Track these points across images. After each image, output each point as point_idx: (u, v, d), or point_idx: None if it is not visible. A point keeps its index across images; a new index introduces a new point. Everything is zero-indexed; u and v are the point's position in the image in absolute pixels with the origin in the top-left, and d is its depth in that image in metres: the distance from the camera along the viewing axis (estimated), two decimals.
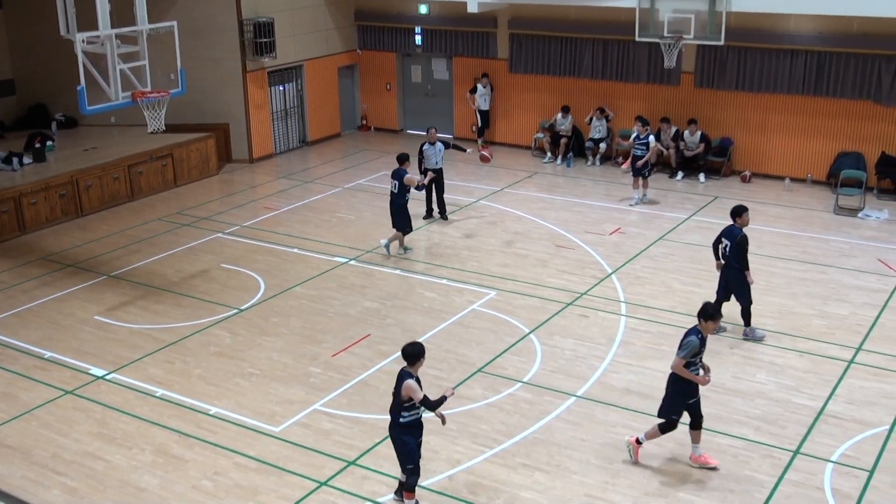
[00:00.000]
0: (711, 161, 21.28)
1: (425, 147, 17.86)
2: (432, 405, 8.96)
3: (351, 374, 12.36)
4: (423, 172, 17.53)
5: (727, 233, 12.92)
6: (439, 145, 17.85)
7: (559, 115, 22.37)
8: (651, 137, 18.99)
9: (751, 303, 12.98)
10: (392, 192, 16.28)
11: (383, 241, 16.56)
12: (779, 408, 11.31)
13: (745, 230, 12.89)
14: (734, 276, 12.88)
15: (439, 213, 18.40)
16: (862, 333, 13.22)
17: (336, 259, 16.40)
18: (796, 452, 10.35)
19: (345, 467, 10.31)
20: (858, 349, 12.77)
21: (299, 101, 24.41)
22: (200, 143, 21.78)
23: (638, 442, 10.21)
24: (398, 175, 16.17)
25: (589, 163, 22.39)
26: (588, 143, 22.35)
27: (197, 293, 15.13)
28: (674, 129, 21.05)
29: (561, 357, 12.69)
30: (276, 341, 13.38)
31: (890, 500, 9.51)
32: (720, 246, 13.05)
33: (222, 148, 22.80)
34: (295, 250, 16.91)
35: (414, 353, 9.06)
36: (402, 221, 16.37)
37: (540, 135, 23.15)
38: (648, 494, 9.65)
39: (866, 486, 9.73)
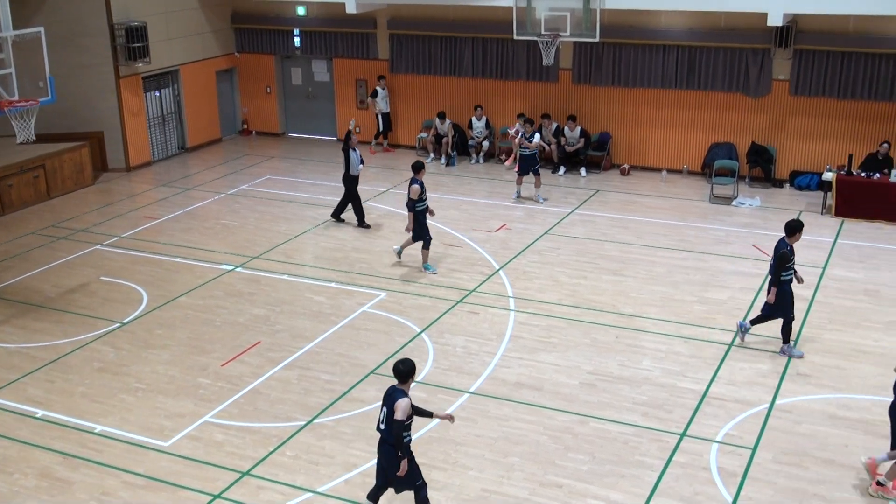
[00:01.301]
0: (592, 156, 21.74)
1: (351, 153, 17.60)
2: (427, 412, 9.09)
3: (241, 383, 12.14)
4: (350, 177, 17.56)
5: (778, 246, 12.30)
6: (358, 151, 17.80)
7: (437, 121, 22.47)
8: (537, 136, 19.26)
9: (792, 318, 12.47)
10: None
11: (395, 248, 16.26)
12: (665, 393, 11.64)
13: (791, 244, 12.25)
14: (781, 290, 12.26)
15: (359, 220, 18.08)
16: (741, 317, 13.72)
17: (222, 267, 16.09)
18: (683, 435, 10.67)
19: (239, 478, 10.12)
20: (737, 333, 13.24)
21: (177, 106, 23.83)
22: (74, 152, 21.03)
23: (879, 484, 9.57)
24: (413, 182, 15.44)
25: (473, 161, 22.59)
26: (471, 142, 22.56)
27: (76, 308, 14.61)
28: (555, 126, 21.41)
29: (453, 354, 12.76)
30: (162, 354, 13.03)
31: (772, 474, 9.89)
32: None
33: (97, 157, 22.08)
34: (178, 259, 16.51)
35: (406, 372, 8.91)
36: (418, 231, 15.52)
37: (423, 134, 23.23)
38: (544, 485, 9.79)
39: (750, 463, 10.11)
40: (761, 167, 20.41)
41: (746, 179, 20.57)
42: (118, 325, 13.96)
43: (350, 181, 17.71)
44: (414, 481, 9.03)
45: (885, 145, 18.40)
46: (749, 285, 14.86)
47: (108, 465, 10.41)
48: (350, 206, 18.05)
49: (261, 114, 25.84)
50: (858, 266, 15.70)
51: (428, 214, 15.52)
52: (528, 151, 19.07)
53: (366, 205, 18.47)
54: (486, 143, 22.41)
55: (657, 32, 20.57)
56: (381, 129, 23.60)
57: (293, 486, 9.58)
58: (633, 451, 10.37)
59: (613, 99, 21.55)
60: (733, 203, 19.18)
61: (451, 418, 9.44)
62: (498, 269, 15.73)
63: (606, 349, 12.81)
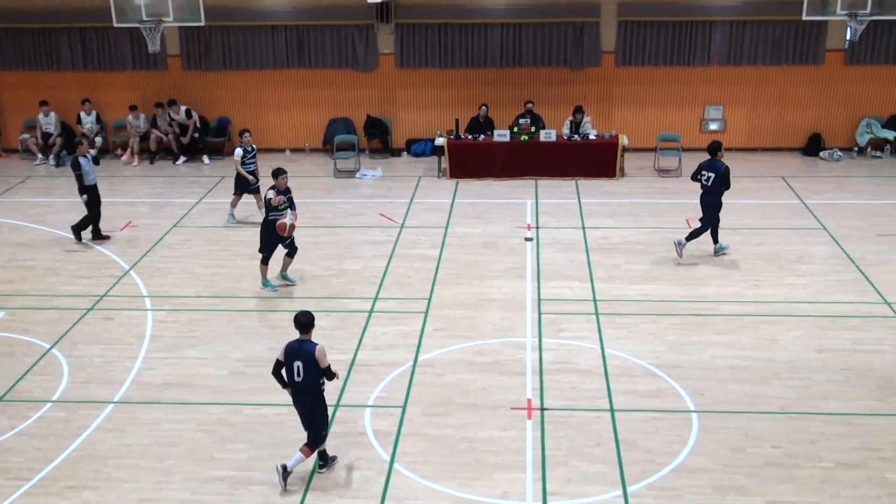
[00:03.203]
0: (212, 142, 21.36)
1: (82, 161, 15.79)
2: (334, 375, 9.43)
3: None
4: (87, 188, 15.80)
5: (709, 166, 14.60)
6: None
7: (41, 116, 20.91)
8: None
9: (710, 227, 14.92)
10: None
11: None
12: None
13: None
14: (713, 202, 14.65)
15: (94, 234, 16.36)
16: (376, 284, 14.27)
17: None
18: (337, 405, 10.92)
19: None
20: (376, 298, 13.77)
21: None
22: None
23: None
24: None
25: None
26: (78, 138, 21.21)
27: None
28: (183, 109, 20.74)
29: (90, 366, 12.00)
30: None
31: (423, 427, 10.43)
32: (701, 177, 14.71)
33: None
34: None
35: (306, 322, 9.44)
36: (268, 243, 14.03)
37: (26, 135, 21.46)
38: (206, 482, 9.55)
39: (402, 421, 10.58)
40: (379, 139, 21.27)
41: (366, 152, 21.34)
42: None
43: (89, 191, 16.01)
44: (322, 430, 9.54)
45: (484, 108, 19.94)
46: (380, 253, 15.47)
47: None
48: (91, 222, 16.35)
49: None
50: (476, 222, 16.94)
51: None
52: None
53: None
54: (98, 139, 21.16)
55: (264, 14, 20.60)
56: None
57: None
58: (291, 431, 10.41)
59: (228, 83, 21.29)
60: (357, 176, 19.82)
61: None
62: (128, 270, 15.00)
63: (252, 334, 12.74)
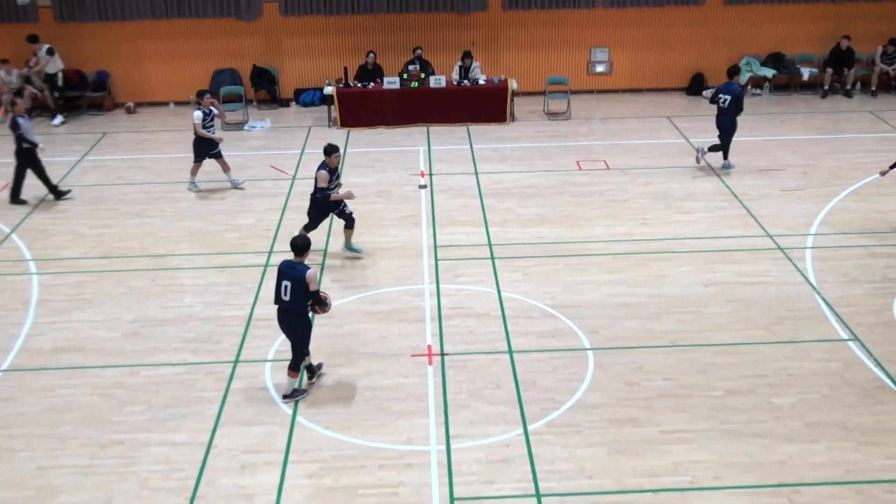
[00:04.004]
0: (91, 97, 20.59)
1: (20, 120, 15.05)
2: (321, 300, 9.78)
3: None
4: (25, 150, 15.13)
5: (725, 89, 16.01)
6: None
7: None
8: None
9: (730, 142, 16.27)
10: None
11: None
12: (211, 325, 11.64)
13: None
14: (727, 123, 16.05)
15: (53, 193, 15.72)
16: (270, 237, 14.08)
17: None
18: (236, 362, 10.81)
19: None
20: (270, 252, 13.60)
21: None
22: None
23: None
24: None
25: None
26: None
27: None
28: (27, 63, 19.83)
29: None
30: None
31: (323, 379, 10.42)
32: (718, 100, 16.01)
33: None
34: None
35: (302, 245, 9.76)
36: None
37: None
38: (104, 446, 9.37)
39: (302, 373, 10.52)
40: (266, 89, 20.84)
41: (254, 103, 20.89)
42: None
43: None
44: (305, 348, 10.00)
45: (371, 55, 19.71)
46: (274, 206, 15.26)
47: None
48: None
49: None
50: (368, 171, 16.84)
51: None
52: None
53: None
54: None
55: None
56: None
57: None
58: (190, 389, 10.29)
59: (104, 35, 20.45)
60: (245, 128, 19.42)
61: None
62: (10, 233, 14.42)
63: (144, 294, 12.45)
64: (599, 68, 21.46)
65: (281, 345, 11.10)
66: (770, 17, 21.10)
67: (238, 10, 20.23)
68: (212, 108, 15.88)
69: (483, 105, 19.42)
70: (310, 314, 9.93)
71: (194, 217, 14.85)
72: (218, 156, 16.03)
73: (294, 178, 16.55)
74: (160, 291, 12.55)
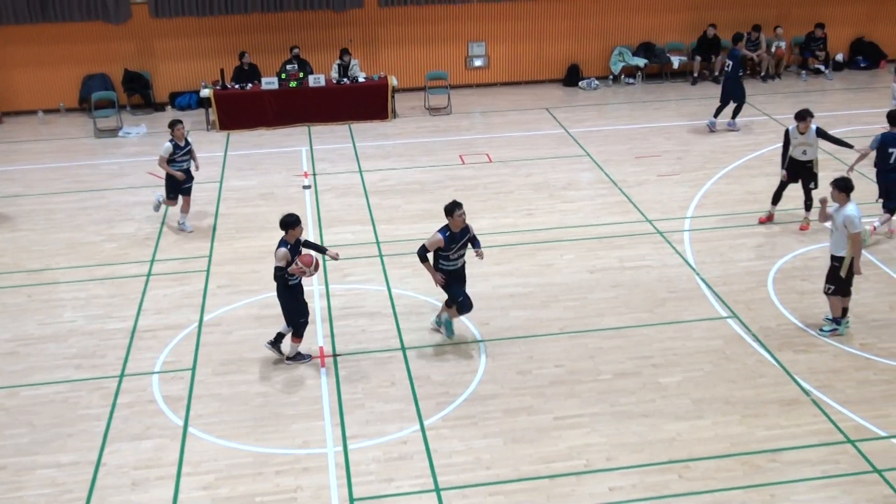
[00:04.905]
0: None
1: None
2: (321, 248, 10.54)
3: None
4: None
5: (730, 55, 18.06)
6: None
7: None
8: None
9: (742, 104, 18.19)
10: None
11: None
12: (94, 339, 11.28)
13: None
14: (732, 85, 17.92)
15: None
16: (152, 246, 13.72)
17: None
18: (122, 376, 10.50)
19: None
20: (153, 261, 13.26)
21: None
22: None
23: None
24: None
25: None
26: None
27: None
28: None
29: None
30: None
31: (215, 387, 10.24)
32: (727, 67, 18.04)
33: None
34: None
35: (287, 222, 10.13)
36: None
37: None
38: None
39: (192, 383, 10.33)
40: (140, 93, 20.29)
41: (128, 108, 20.31)
42: None
43: None
44: (297, 318, 10.43)
45: (246, 56, 19.39)
46: (154, 213, 14.86)
47: None
48: None
49: None
50: (251, 173, 16.60)
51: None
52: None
53: None
54: None
55: None
56: None
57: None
58: (75, 407, 9.95)
59: None
60: (120, 134, 18.86)
61: (336, 256, 10.68)
62: None
63: (20, 312, 11.96)
64: (477, 62, 21.66)
65: (169, 356, 10.85)
66: (640, 8, 21.68)
67: (106, 12, 19.60)
68: (188, 140, 14.13)
69: (364, 103, 19.36)
70: (289, 282, 10.26)
71: (71, 229, 14.36)
72: (188, 192, 14.22)
73: None
74: (38, 307, 12.08)
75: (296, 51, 19.69)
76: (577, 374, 10.36)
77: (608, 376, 10.29)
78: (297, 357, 10.70)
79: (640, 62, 21.73)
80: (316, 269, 10.27)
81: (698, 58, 21.58)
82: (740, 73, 17.95)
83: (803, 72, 22.00)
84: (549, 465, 8.92)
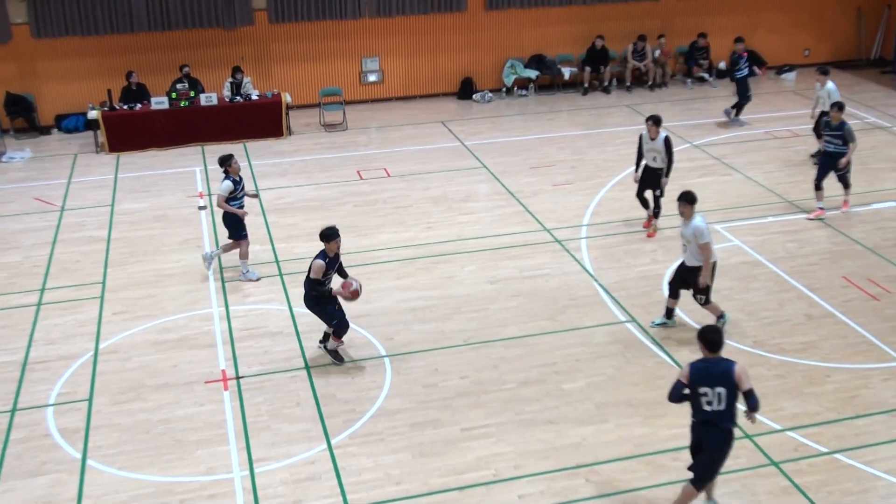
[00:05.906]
0: None
1: None
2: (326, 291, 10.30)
3: None
4: None
5: (738, 58, 19.32)
6: None
7: None
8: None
9: (748, 99, 19.45)
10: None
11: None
12: None
13: None
14: (742, 80, 19.23)
15: None
16: (41, 274, 13.27)
17: None
18: (13, 410, 10.11)
19: None
20: (43, 290, 12.82)
21: None
22: None
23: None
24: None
25: None
26: None
27: None
28: None
29: None
30: None
31: (114, 416, 9.94)
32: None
33: None
34: None
35: (326, 234, 10.18)
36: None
37: None
38: None
39: (90, 414, 10.01)
40: (23, 117, 19.62)
41: (10, 132, 19.60)
42: None
43: None
44: (328, 322, 10.59)
45: (133, 75, 18.96)
46: (42, 240, 14.39)
47: None
48: None
49: None
50: (143, 196, 16.21)
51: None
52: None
53: None
54: None
55: None
56: None
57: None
58: None
59: None
60: (3, 159, 18.19)
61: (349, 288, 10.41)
62: None
63: None
64: (371, 77, 21.67)
65: (63, 387, 10.50)
66: (530, 21, 22.04)
67: None
68: (240, 175, 12.93)
69: (258, 120, 19.14)
70: (313, 293, 10.38)
71: None
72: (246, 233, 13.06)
73: (63, 208, 15.67)
74: None
75: (186, 69, 19.34)
76: (482, 384, 10.43)
77: (513, 385, 10.40)
78: (335, 355, 10.89)
79: (532, 74, 22.07)
80: (354, 297, 10.52)
81: (588, 69, 22.03)
82: (746, 73, 19.31)
83: (688, 80, 22.69)
84: (459, 476, 8.95)
